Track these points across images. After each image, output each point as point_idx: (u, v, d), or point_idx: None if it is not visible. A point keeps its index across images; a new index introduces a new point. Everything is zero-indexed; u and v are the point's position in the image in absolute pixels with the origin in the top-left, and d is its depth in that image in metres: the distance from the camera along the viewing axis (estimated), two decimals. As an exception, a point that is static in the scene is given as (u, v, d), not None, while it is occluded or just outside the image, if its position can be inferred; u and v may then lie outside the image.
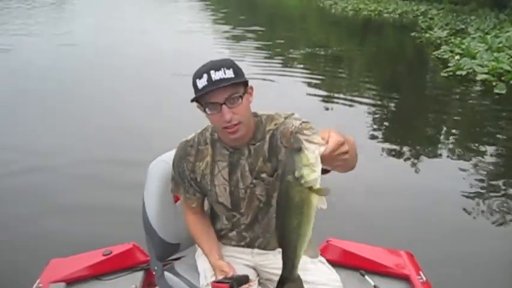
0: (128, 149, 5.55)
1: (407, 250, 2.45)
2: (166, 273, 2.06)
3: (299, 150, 1.16)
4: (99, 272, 2.35)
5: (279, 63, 11.86)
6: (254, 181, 1.78)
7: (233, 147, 1.78)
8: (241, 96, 1.64)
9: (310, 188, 1.17)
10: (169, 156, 1.98)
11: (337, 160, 1.27)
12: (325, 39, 16.37)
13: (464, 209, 4.36)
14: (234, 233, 1.91)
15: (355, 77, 10.93)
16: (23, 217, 4.10)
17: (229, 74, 1.61)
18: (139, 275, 2.37)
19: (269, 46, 14.57)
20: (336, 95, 8.76)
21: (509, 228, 4.11)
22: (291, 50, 13.60)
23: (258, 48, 14.21)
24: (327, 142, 1.22)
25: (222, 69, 1.61)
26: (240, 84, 1.65)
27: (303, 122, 1.72)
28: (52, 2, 35.70)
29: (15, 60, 11.92)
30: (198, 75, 1.63)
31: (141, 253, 2.43)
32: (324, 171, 1.45)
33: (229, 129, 1.66)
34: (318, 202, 1.20)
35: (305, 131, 1.53)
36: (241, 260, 1.92)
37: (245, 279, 1.73)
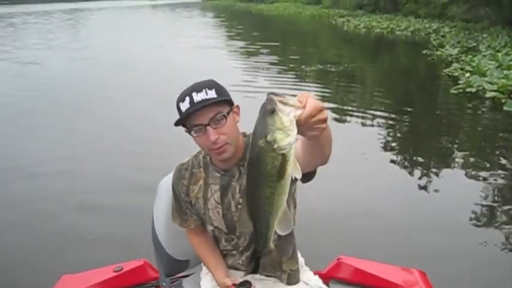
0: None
1: (419, 269, 2.39)
2: None
3: (272, 112, 1.03)
4: None
5: (292, 78, 12.19)
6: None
7: (224, 170, 1.76)
8: (225, 116, 1.61)
9: (284, 155, 1.05)
10: None
11: (313, 129, 1.14)
12: (337, 56, 16.60)
13: (476, 225, 4.39)
14: (237, 254, 1.90)
15: (366, 93, 11.13)
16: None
17: (211, 94, 1.59)
18: None
19: (282, 62, 15.03)
20: (348, 110, 8.97)
21: None
22: (303, 66, 13.95)
23: (271, 63, 14.66)
24: (304, 106, 1.09)
25: (204, 90, 1.59)
26: (223, 104, 1.63)
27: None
28: (69, 17, 36.45)
29: (46, 72, 13.20)
30: (181, 98, 1.62)
31: (151, 270, 2.42)
32: (307, 177, 1.44)
33: (216, 150, 1.63)
34: (292, 170, 1.08)
35: (298, 141, 1.50)
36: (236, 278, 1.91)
37: (247, 284, 1.77)
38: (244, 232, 1.79)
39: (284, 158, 1.04)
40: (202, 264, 2.02)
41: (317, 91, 10.86)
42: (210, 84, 1.63)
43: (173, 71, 12.47)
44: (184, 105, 1.59)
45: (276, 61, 15.28)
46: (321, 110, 1.12)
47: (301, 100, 1.10)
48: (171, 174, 2.01)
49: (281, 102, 1.04)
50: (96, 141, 7.06)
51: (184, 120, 1.62)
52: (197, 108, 1.57)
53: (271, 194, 1.09)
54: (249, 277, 1.85)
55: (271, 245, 1.29)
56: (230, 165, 1.74)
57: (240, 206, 1.72)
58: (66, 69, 14.01)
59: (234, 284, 1.78)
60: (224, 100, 1.63)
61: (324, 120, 1.14)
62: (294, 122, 1.04)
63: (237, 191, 1.75)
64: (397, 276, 2.30)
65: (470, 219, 4.51)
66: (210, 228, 1.91)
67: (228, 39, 23.05)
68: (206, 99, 1.58)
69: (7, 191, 5.36)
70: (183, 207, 1.87)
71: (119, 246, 3.90)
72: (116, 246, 3.91)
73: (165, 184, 2.06)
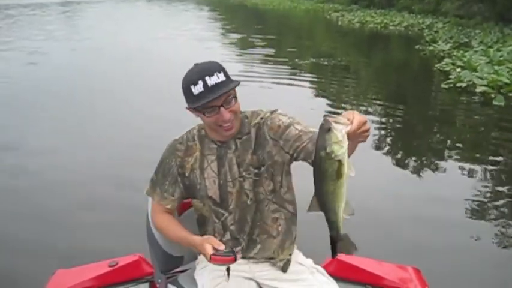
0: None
1: (414, 266, 2.41)
2: (170, 286, 2.08)
3: (328, 130, 1.34)
4: (105, 283, 2.32)
5: (287, 70, 12.45)
6: (244, 174, 1.83)
7: (220, 141, 1.84)
8: (235, 97, 1.75)
9: (339, 161, 1.36)
10: None
11: (360, 137, 1.44)
12: (331, 50, 16.70)
13: (468, 219, 4.41)
14: (228, 236, 1.90)
15: (357, 87, 11.22)
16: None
17: (222, 77, 1.70)
18: (145, 287, 2.35)
19: (277, 54, 15.23)
20: (339, 103, 9.18)
21: None
22: (297, 60, 14.05)
23: (266, 55, 14.90)
24: (352, 122, 1.38)
25: (215, 74, 1.68)
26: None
27: (290, 117, 1.84)
28: (66, 10, 36.36)
29: (53, 63, 13.70)
30: (191, 81, 1.70)
31: (146, 265, 2.40)
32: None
33: (226, 127, 1.75)
34: (348, 171, 1.39)
35: (295, 124, 1.78)
36: (238, 272, 1.88)
37: (232, 254, 1.71)
38: (235, 209, 1.85)
39: (340, 163, 1.36)
40: (197, 260, 2.04)
41: (310, 82, 11.10)
42: (217, 67, 1.72)
43: (172, 62, 12.48)
44: (198, 89, 1.67)
45: (272, 53, 15.58)
46: (364, 122, 1.41)
47: (349, 117, 1.40)
48: None
49: (334, 121, 1.36)
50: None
51: (197, 103, 1.70)
52: (218, 95, 1.66)
53: (334, 190, 1.41)
54: (244, 261, 1.88)
55: (342, 229, 1.52)
56: (227, 138, 1.83)
57: (239, 178, 1.83)
58: (70, 60, 14.33)
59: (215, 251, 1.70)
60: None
61: (368, 130, 1.44)
62: (345, 136, 1.35)
63: (234, 162, 1.83)
64: (392, 274, 2.32)
65: (463, 213, 4.52)
66: (199, 205, 1.90)
67: (225, 32, 23.18)
68: (220, 83, 1.68)
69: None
70: (167, 184, 1.88)
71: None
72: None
73: None
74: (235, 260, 1.67)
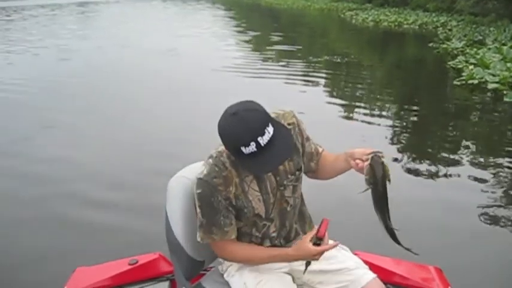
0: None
1: (435, 265, 2.36)
2: None
3: (383, 163, 1.68)
4: (125, 281, 2.32)
5: (302, 67, 12.79)
6: (284, 182, 1.85)
7: None
8: None
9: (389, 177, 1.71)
10: (189, 171, 2.01)
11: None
12: (344, 48, 16.83)
13: (485, 218, 4.34)
14: (267, 243, 1.92)
15: (371, 84, 11.40)
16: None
17: (271, 131, 1.61)
18: (164, 285, 2.33)
19: (292, 52, 15.55)
20: (354, 98, 9.53)
21: None
22: (311, 57, 14.31)
23: (281, 53, 15.46)
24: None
25: (266, 130, 1.59)
26: None
27: (302, 123, 1.95)
28: (84, 10, 36.90)
29: (85, 59, 14.37)
30: (240, 142, 1.59)
31: (166, 263, 2.39)
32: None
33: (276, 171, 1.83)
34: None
35: (310, 139, 1.96)
36: (277, 268, 1.93)
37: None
38: (275, 217, 1.90)
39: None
40: (224, 263, 2.02)
41: (325, 79, 11.42)
42: (264, 118, 1.62)
43: (198, 58, 14.15)
44: (250, 149, 1.59)
45: (287, 51, 16.02)
46: None
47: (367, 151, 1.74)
48: (180, 173, 2.03)
49: (382, 156, 1.70)
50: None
51: (248, 162, 1.65)
52: (278, 164, 1.70)
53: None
54: None
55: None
56: None
57: (279, 188, 1.86)
58: (101, 56, 15.08)
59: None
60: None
61: None
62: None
63: (270, 174, 1.83)
64: (413, 273, 2.28)
65: (476, 211, 4.47)
66: (241, 227, 1.89)
67: (242, 30, 23.53)
68: (275, 141, 1.62)
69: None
70: (222, 219, 1.80)
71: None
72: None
73: (176, 183, 2.02)
74: (326, 220, 1.77)
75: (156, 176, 4.29)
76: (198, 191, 1.78)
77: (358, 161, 1.72)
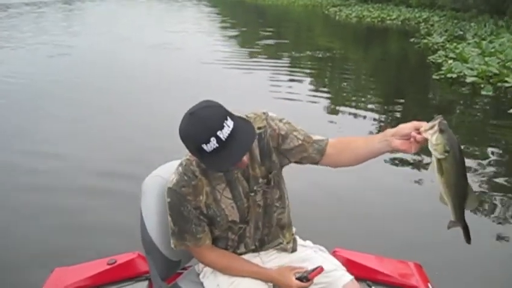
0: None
1: (415, 261, 2.37)
2: None
3: (448, 128, 1.47)
4: (103, 281, 2.30)
5: (285, 63, 12.96)
6: (255, 187, 1.81)
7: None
8: None
9: None
10: (164, 169, 1.98)
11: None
12: (328, 44, 16.98)
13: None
14: (242, 247, 1.91)
15: (353, 79, 11.56)
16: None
17: (231, 124, 1.58)
18: (143, 285, 2.31)
19: (276, 48, 15.76)
20: (337, 92, 9.77)
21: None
22: (294, 53, 14.45)
23: (266, 48, 15.64)
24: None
25: (224, 123, 1.56)
26: None
27: (281, 120, 1.84)
28: (71, 7, 36.63)
29: (82, 54, 14.45)
30: (200, 140, 1.55)
31: (145, 262, 2.32)
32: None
33: (242, 167, 1.74)
34: None
35: (294, 132, 1.81)
36: None
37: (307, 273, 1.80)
38: (252, 219, 1.86)
39: None
40: (198, 264, 2.01)
41: (308, 74, 11.59)
42: (222, 113, 1.59)
43: (190, 52, 14.61)
44: (212, 146, 1.55)
45: (271, 46, 16.27)
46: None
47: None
48: (155, 172, 2.01)
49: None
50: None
51: (211, 159, 1.60)
52: (243, 154, 1.61)
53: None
54: (255, 255, 1.93)
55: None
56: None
57: (250, 193, 1.81)
58: (97, 51, 15.03)
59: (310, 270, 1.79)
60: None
61: None
62: None
63: (242, 178, 1.80)
64: (393, 269, 2.28)
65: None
66: (216, 232, 1.87)
67: (228, 27, 23.60)
68: (235, 134, 1.57)
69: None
70: (193, 227, 1.79)
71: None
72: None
73: (150, 183, 1.99)
74: (322, 269, 1.78)
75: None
76: (168, 200, 1.77)
77: (414, 133, 1.55)
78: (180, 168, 1.77)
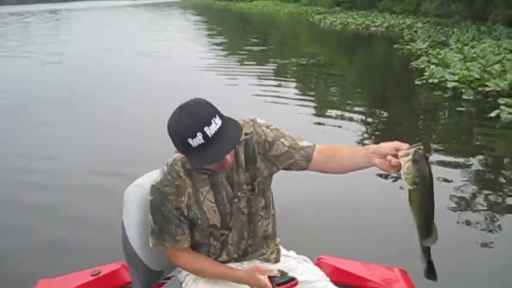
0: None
1: (400, 267, 2.36)
2: None
3: (427, 157, 1.42)
4: None
5: (271, 70, 13.04)
6: (238, 194, 1.80)
7: (210, 169, 1.75)
8: None
9: None
10: (145, 179, 1.95)
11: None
12: (313, 51, 17.06)
13: (446, 216, 4.30)
14: (224, 255, 1.89)
15: (337, 85, 11.65)
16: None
17: (219, 122, 1.58)
18: None
19: (262, 55, 15.97)
20: (321, 98, 9.88)
21: (497, 236, 4.09)
22: (278, 60, 14.53)
23: (252, 55, 15.83)
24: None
25: (212, 121, 1.57)
26: None
27: (268, 127, 1.84)
28: (58, 16, 36.67)
29: (77, 62, 14.69)
30: (187, 134, 1.56)
31: (129, 273, 2.26)
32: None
33: (227, 166, 1.71)
34: None
35: (281, 139, 1.79)
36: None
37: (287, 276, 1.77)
38: (236, 225, 1.85)
39: None
40: (183, 272, 1.98)
41: (293, 81, 11.78)
42: (210, 111, 1.60)
43: (179, 57, 15.09)
44: (197, 141, 1.55)
45: (257, 53, 16.55)
46: None
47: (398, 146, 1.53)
48: (136, 182, 1.99)
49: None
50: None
51: (197, 156, 1.60)
52: (227, 151, 1.61)
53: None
54: (237, 264, 1.90)
55: None
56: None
57: (234, 199, 1.80)
58: (91, 58, 15.30)
59: (282, 273, 1.74)
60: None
61: None
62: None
63: (226, 183, 1.79)
64: (378, 275, 2.25)
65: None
66: (197, 237, 1.87)
67: (214, 34, 23.73)
68: (222, 133, 1.58)
69: None
70: (173, 227, 1.78)
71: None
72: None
73: (132, 193, 1.97)
74: (297, 282, 1.73)
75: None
76: (150, 198, 1.78)
77: (390, 157, 1.51)
78: (165, 167, 1.79)
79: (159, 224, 1.79)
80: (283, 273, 1.72)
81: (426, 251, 1.51)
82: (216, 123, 1.57)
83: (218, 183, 1.78)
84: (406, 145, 1.48)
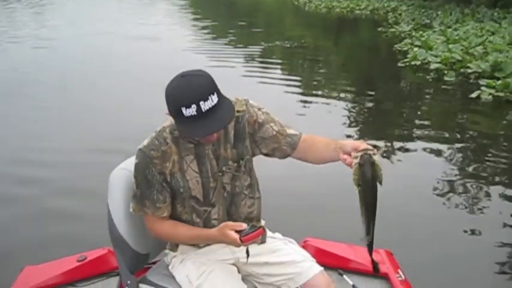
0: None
1: (386, 248, 2.39)
2: (141, 285, 2.03)
3: (374, 163, 1.48)
4: (74, 278, 2.28)
5: (258, 53, 13.00)
6: (223, 168, 1.81)
7: (196, 140, 1.77)
8: None
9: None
10: (130, 163, 1.91)
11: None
12: (298, 34, 17.03)
13: (433, 200, 4.41)
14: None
15: (321, 68, 11.66)
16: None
17: (215, 99, 1.60)
18: (115, 280, 2.29)
19: (247, 39, 15.79)
20: (307, 80, 9.95)
21: (481, 216, 4.17)
22: (263, 43, 14.45)
23: (237, 38, 15.66)
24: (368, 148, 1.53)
25: (209, 97, 1.59)
26: None
27: (260, 109, 1.88)
28: (42, 2, 36.12)
29: (67, 45, 14.35)
30: (182, 103, 1.58)
31: (115, 258, 2.25)
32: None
33: (213, 139, 1.75)
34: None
35: (271, 123, 1.85)
36: (221, 256, 1.92)
37: (255, 228, 1.74)
38: (219, 202, 1.86)
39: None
40: (169, 255, 1.99)
41: (279, 64, 11.79)
42: (210, 86, 1.62)
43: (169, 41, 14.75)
44: (190, 112, 1.57)
45: (242, 37, 16.29)
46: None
47: (362, 146, 1.55)
48: (121, 166, 2.00)
49: (374, 154, 1.51)
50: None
51: (187, 126, 1.63)
52: (218, 129, 1.65)
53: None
54: (223, 245, 1.89)
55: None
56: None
57: (218, 173, 1.81)
58: (83, 43, 14.75)
59: (238, 231, 1.70)
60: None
61: None
62: None
63: (212, 157, 1.80)
64: (364, 256, 2.22)
65: (425, 191, 4.59)
66: (178, 209, 1.87)
67: (200, 18, 23.53)
68: (217, 109, 1.61)
69: None
70: (155, 193, 1.79)
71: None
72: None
73: (117, 176, 1.98)
74: (264, 230, 1.76)
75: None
76: (136, 161, 1.80)
77: (346, 156, 1.58)
78: (153, 133, 1.81)
79: (141, 189, 1.80)
80: (252, 227, 1.72)
81: (369, 246, 1.66)
82: (213, 100, 1.59)
83: (203, 154, 1.79)
84: (364, 146, 1.53)
